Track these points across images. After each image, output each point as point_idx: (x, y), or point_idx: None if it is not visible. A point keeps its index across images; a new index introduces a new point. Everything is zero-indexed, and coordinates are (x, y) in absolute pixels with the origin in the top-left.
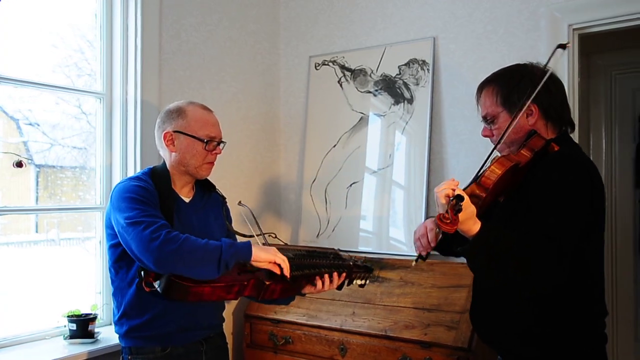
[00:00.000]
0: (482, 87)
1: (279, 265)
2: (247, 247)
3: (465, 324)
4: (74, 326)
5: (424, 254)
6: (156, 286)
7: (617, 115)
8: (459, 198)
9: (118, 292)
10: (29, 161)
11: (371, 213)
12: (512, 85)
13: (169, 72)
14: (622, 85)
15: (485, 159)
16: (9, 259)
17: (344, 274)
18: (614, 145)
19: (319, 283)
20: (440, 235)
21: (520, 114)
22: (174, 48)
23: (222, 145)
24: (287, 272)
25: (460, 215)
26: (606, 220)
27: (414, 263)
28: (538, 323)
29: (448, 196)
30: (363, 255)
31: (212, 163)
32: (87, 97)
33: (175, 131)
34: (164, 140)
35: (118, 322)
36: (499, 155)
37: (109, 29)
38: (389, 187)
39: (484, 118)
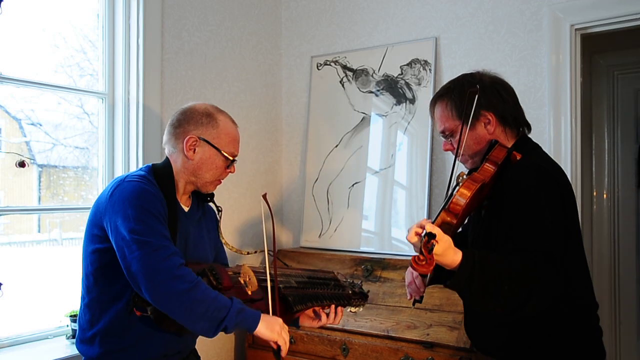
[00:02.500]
0: (434, 103)
1: (277, 344)
2: (255, 319)
3: None
4: (76, 326)
5: (417, 297)
6: (149, 312)
7: (620, 115)
8: (430, 235)
9: (95, 305)
10: (32, 161)
11: (373, 213)
12: (465, 97)
13: (171, 72)
14: (624, 86)
15: (448, 181)
16: (12, 258)
17: (343, 307)
18: (616, 146)
19: (324, 317)
20: (428, 277)
21: (465, 129)
22: (175, 48)
23: (236, 162)
24: (284, 354)
25: (435, 250)
26: (608, 221)
27: (412, 306)
28: (531, 328)
29: (418, 234)
30: (365, 255)
31: (221, 181)
32: (89, 97)
33: (201, 138)
34: (185, 144)
35: (89, 341)
36: (464, 173)
37: (111, 29)
38: (390, 187)
39: (443, 133)
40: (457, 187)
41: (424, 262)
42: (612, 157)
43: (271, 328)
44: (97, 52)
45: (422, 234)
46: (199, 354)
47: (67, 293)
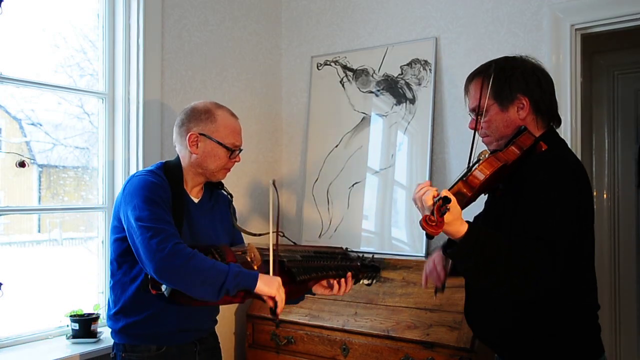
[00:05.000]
0: (471, 79)
1: (274, 300)
2: (253, 277)
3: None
4: (76, 326)
5: (439, 285)
6: (163, 289)
7: (620, 115)
8: (446, 200)
9: (118, 287)
10: (32, 161)
11: (373, 213)
12: (504, 78)
13: (171, 72)
14: (624, 86)
15: (470, 150)
16: (12, 258)
17: (353, 278)
18: (617, 146)
19: (335, 287)
20: (449, 265)
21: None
22: (176, 48)
23: (241, 152)
24: (279, 311)
25: (446, 216)
26: (608, 220)
27: (434, 297)
28: (530, 318)
29: (434, 197)
30: (365, 255)
31: (229, 169)
32: (89, 97)
33: (201, 134)
34: (188, 140)
35: (113, 317)
36: (487, 152)
37: (111, 29)
38: (391, 187)
39: (473, 110)
40: (478, 163)
41: (434, 224)
42: (612, 157)
43: (270, 284)
44: (97, 52)
45: (437, 198)
46: (218, 339)
47: (67, 293)
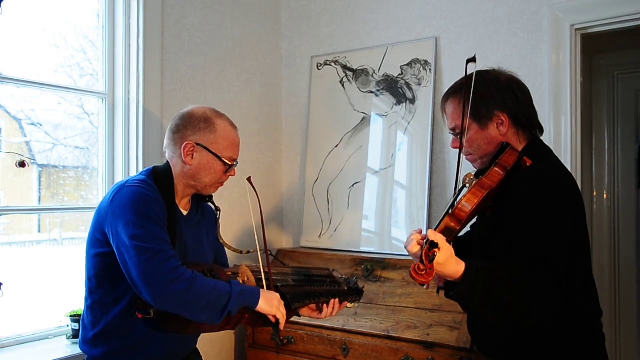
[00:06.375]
0: (446, 98)
1: (276, 318)
2: (255, 296)
3: None
4: (76, 326)
5: (441, 284)
6: (152, 314)
7: (620, 115)
8: (432, 244)
9: (97, 308)
10: (32, 161)
11: (373, 213)
12: (479, 96)
13: (171, 72)
14: (624, 86)
15: (455, 181)
16: (12, 258)
17: (340, 303)
18: (617, 146)
19: (325, 311)
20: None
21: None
22: (176, 48)
23: (236, 165)
24: (282, 327)
25: (436, 261)
26: (608, 221)
27: (437, 295)
28: (533, 332)
29: (420, 244)
30: (365, 255)
31: (222, 184)
32: (89, 97)
33: (198, 144)
34: (183, 150)
35: (91, 342)
36: (471, 175)
37: (111, 29)
38: (391, 187)
39: (453, 130)
40: (464, 191)
41: (423, 272)
42: (612, 157)
43: (270, 303)
44: (97, 52)
45: (424, 243)
46: (200, 353)
47: (67, 293)
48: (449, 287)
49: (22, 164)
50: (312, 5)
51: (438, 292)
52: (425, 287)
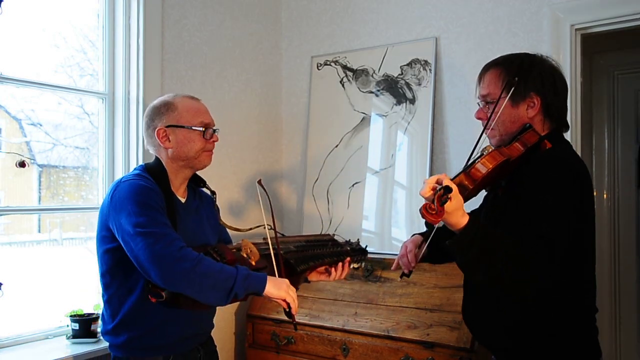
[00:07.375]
0: (488, 68)
1: (287, 302)
2: (261, 280)
3: None
4: (76, 326)
5: (406, 272)
6: (164, 296)
7: (620, 116)
8: (447, 189)
9: (114, 300)
10: (32, 161)
11: (373, 213)
12: (521, 74)
13: (171, 72)
14: (624, 86)
15: (475, 142)
16: (12, 258)
17: (347, 262)
18: (617, 146)
19: (333, 273)
20: (422, 253)
21: (503, 104)
22: (176, 48)
23: (217, 132)
24: (294, 312)
25: (446, 206)
26: (608, 220)
27: (399, 279)
28: (529, 320)
29: (434, 189)
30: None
31: (211, 151)
32: (89, 97)
33: (168, 126)
34: (158, 137)
35: (112, 332)
36: (490, 147)
37: (111, 29)
38: (391, 188)
39: (484, 97)
40: (482, 156)
41: (433, 212)
42: (612, 157)
43: (278, 287)
44: (97, 52)
45: (438, 187)
46: (215, 344)
47: (67, 293)
48: (447, 235)
49: (22, 164)
50: (312, 5)
51: (401, 277)
52: (404, 276)
